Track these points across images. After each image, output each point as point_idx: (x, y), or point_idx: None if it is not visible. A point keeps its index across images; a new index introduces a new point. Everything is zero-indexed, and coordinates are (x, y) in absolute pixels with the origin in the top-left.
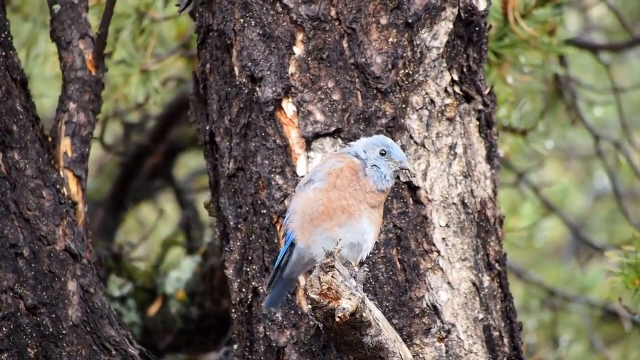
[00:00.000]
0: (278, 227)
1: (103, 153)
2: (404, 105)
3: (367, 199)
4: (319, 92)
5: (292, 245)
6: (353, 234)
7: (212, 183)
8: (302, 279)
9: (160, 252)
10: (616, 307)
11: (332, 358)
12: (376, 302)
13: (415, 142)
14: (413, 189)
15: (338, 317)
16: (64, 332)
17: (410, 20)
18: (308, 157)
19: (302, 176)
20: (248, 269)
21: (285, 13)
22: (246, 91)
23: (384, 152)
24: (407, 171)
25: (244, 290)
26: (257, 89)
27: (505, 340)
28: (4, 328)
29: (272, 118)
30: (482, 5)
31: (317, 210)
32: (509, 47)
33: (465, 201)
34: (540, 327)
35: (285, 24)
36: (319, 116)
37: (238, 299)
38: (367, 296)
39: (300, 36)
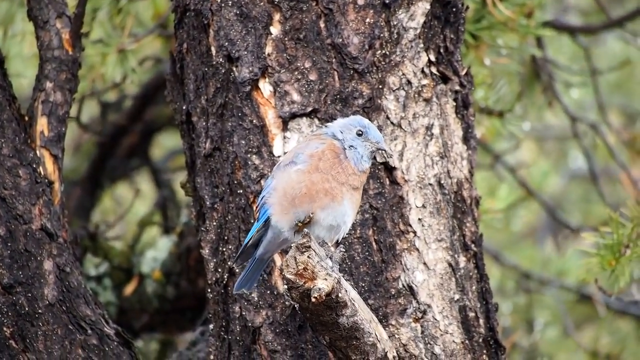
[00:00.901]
0: (254, 207)
1: (80, 132)
2: (380, 86)
3: (349, 181)
4: (296, 73)
5: (267, 222)
6: (334, 217)
7: (189, 163)
8: (278, 259)
9: (136, 232)
10: (591, 290)
11: (308, 338)
12: (352, 283)
13: (392, 122)
14: (389, 169)
15: (314, 297)
16: (39, 311)
17: (387, 1)
18: (285, 138)
19: (279, 156)
20: (224, 249)
21: None
22: (223, 71)
23: (360, 132)
24: (383, 152)
25: (220, 270)
26: (234, 69)
27: (481, 321)
28: None
29: (249, 98)
30: None
31: (299, 191)
32: (486, 29)
33: (442, 182)
34: (515, 311)
35: (262, 4)
36: (295, 96)
37: (214, 279)
38: (343, 277)
39: (277, 16)
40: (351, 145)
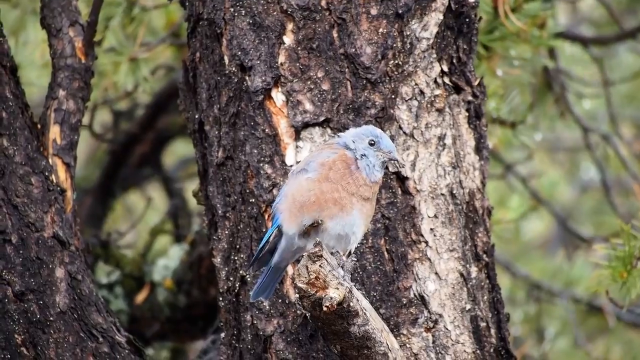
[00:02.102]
0: (266, 216)
1: (92, 141)
2: (393, 96)
3: (360, 191)
4: (309, 82)
5: (279, 229)
6: (342, 226)
7: (201, 172)
8: (290, 268)
9: (148, 240)
10: (602, 301)
11: (319, 347)
12: (364, 292)
13: (405, 132)
14: (402, 179)
15: (325, 306)
16: (51, 318)
17: (400, 11)
18: (297, 147)
19: (291, 166)
20: (236, 258)
21: (276, 2)
22: (236, 80)
23: (373, 142)
24: (395, 162)
25: (231, 278)
26: (247, 78)
27: (492, 331)
28: None
29: (262, 107)
30: None
31: (308, 199)
32: (499, 40)
33: (454, 192)
34: (525, 320)
35: (275, 13)
36: (308, 106)
37: (225, 288)
38: (355, 286)
39: (290, 26)
40: (363, 155)
